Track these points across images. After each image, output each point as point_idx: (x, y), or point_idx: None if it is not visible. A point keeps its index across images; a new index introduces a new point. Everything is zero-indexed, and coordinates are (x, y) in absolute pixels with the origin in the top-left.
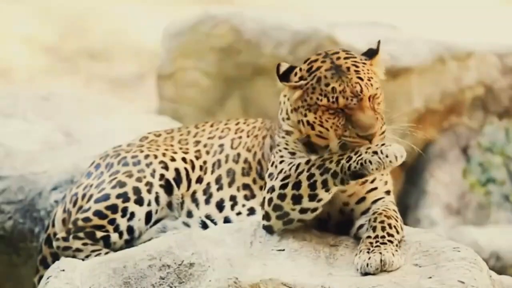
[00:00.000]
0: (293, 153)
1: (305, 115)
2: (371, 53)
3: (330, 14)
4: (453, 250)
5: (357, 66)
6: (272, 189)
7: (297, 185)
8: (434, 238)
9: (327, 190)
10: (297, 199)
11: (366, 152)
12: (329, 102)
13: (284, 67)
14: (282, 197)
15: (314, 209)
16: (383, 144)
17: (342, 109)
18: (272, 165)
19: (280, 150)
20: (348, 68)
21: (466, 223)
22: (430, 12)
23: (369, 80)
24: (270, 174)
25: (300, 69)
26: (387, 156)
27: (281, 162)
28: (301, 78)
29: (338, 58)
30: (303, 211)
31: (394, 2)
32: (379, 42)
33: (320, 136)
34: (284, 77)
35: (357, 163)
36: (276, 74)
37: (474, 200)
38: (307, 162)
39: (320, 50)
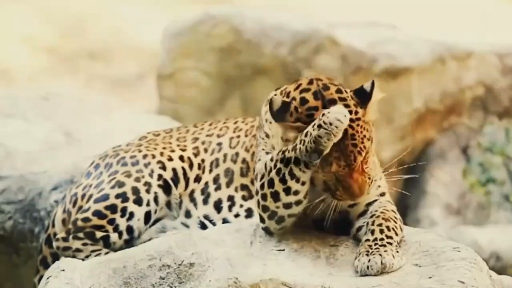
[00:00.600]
0: (268, 153)
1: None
2: (363, 96)
3: (330, 14)
4: (453, 250)
5: (352, 128)
6: (256, 191)
7: (271, 183)
8: (434, 238)
9: (297, 180)
10: (275, 196)
11: (313, 129)
12: (323, 161)
13: (277, 103)
14: (264, 197)
15: (297, 202)
16: (323, 114)
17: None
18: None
19: (260, 151)
20: (345, 131)
21: (466, 223)
22: (430, 12)
23: (362, 142)
24: (256, 176)
25: (296, 109)
26: (331, 124)
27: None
28: (298, 120)
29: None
30: (286, 206)
31: (394, 2)
32: (373, 83)
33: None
34: (279, 114)
35: (310, 142)
36: (269, 111)
37: (474, 200)
38: (271, 158)
39: (315, 83)
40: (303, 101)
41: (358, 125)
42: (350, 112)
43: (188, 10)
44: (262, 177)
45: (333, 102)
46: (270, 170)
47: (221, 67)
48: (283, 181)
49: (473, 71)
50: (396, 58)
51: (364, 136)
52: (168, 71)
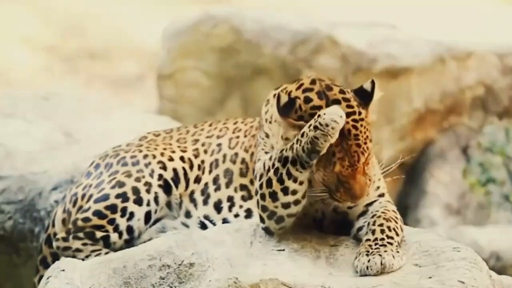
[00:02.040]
0: (267, 153)
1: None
2: (365, 96)
3: (330, 14)
4: (453, 250)
5: (356, 128)
6: (256, 191)
7: (269, 183)
8: (434, 238)
9: (295, 180)
10: (273, 196)
11: (309, 130)
12: (326, 162)
13: (284, 98)
14: (262, 197)
15: (296, 202)
16: (319, 115)
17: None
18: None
19: (259, 151)
20: (349, 131)
21: (466, 223)
22: (430, 12)
23: (365, 143)
24: (255, 176)
25: (300, 107)
26: (327, 125)
27: (258, 160)
28: (301, 118)
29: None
30: (285, 206)
31: (394, 2)
32: (373, 82)
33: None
34: (285, 110)
35: (307, 143)
36: (276, 106)
37: (474, 200)
38: (270, 157)
39: (319, 84)
40: (307, 100)
41: (361, 125)
42: (354, 112)
43: (188, 10)
44: (261, 177)
45: (337, 102)
46: (268, 170)
47: (221, 67)
48: (280, 181)
49: (473, 71)
50: (396, 58)
51: (367, 137)
52: (168, 71)
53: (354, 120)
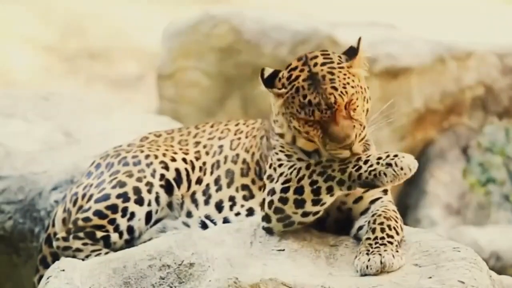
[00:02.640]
0: (289, 155)
1: (290, 121)
2: (352, 53)
3: (330, 14)
4: (453, 250)
5: (332, 74)
6: (272, 192)
7: (299, 190)
8: (434, 238)
9: (332, 195)
10: (300, 203)
11: (378, 163)
12: (306, 115)
13: (268, 71)
14: (284, 200)
15: (316, 213)
16: (395, 155)
17: (318, 121)
18: (270, 167)
19: (277, 153)
20: (324, 77)
21: (466, 223)
22: (430, 12)
23: (344, 87)
24: (269, 176)
25: (282, 75)
26: (401, 169)
27: (280, 165)
28: (283, 86)
29: (316, 64)
30: (305, 214)
31: (394, 2)
32: (359, 39)
33: (309, 140)
34: (269, 81)
35: (369, 174)
36: (260, 79)
37: (474, 200)
38: (307, 167)
39: (302, 53)
40: (288, 65)
41: (340, 72)
42: (332, 62)
43: (188, 10)
44: (287, 181)
45: (315, 57)
46: (302, 178)
47: (221, 67)
48: (315, 192)
49: (473, 71)
50: (396, 58)
51: (348, 83)
52: (168, 71)
53: (331, 67)
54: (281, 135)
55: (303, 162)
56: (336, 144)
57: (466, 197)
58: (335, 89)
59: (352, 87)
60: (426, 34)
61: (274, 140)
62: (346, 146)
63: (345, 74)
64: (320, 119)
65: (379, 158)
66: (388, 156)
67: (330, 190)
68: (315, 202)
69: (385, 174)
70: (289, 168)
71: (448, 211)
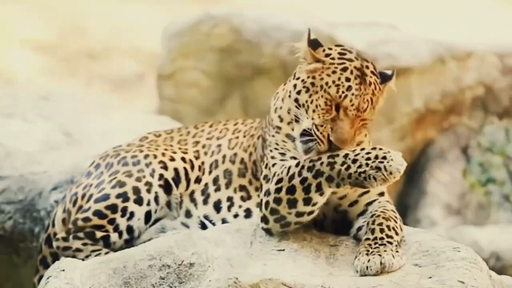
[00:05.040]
0: (283, 154)
1: (298, 93)
2: (385, 78)
3: (330, 14)
4: (453, 250)
5: (375, 88)
6: (268, 193)
7: (291, 190)
8: (434, 238)
9: (322, 194)
10: (292, 203)
11: (367, 165)
12: (337, 93)
13: (314, 36)
14: (277, 201)
15: (310, 212)
16: (384, 157)
17: (338, 107)
18: (266, 167)
19: (271, 151)
20: (370, 84)
21: (466, 223)
22: (430, 12)
23: (373, 107)
24: (265, 177)
25: (330, 49)
26: (391, 173)
27: (273, 164)
28: (327, 56)
29: (367, 67)
30: (299, 214)
31: (394, 2)
32: (394, 71)
33: (295, 118)
34: (314, 43)
35: (359, 175)
36: (307, 38)
37: (474, 200)
38: (297, 164)
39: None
40: (340, 45)
41: (378, 92)
42: (377, 77)
43: (188, 10)
44: (280, 181)
45: (367, 62)
46: (292, 177)
47: (221, 67)
48: (306, 191)
49: (473, 71)
50: (396, 58)
51: (375, 106)
52: (168, 71)
53: (376, 82)
54: (278, 129)
55: (295, 160)
56: (335, 139)
57: (466, 197)
58: (370, 102)
59: (376, 110)
60: (426, 34)
61: (270, 135)
62: (335, 147)
63: (378, 98)
64: (344, 107)
65: (368, 159)
66: (376, 157)
67: (319, 188)
68: (307, 202)
69: (374, 178)
70: (280, 167)
71: (448, 211)
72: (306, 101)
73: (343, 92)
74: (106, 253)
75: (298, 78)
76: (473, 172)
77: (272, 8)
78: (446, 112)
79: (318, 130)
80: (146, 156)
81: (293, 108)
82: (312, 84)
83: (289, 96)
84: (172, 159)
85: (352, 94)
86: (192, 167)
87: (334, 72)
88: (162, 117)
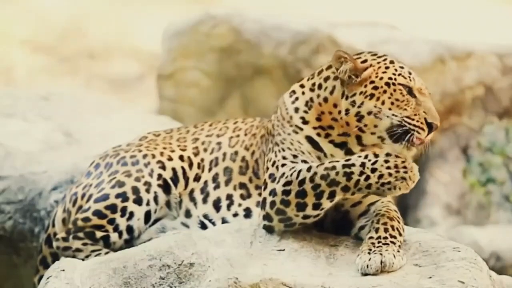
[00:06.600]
0: (295, 156)
1: (360, 106)
2: None
3: (330, 14)
4: (453, 250)
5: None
6: (274, 193)
7: (301, 194)
8: (434, 238)
9: (332, 201)
10: (301, 207)
11: (390, 175)
12: (406, 79)
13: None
14: (285, 203)
15: (317, 215)
16: (404, 167)
17: (411, 92)
18: (273, 165)
19: (283, 149)
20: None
21: (466, 223)
22: (430, 13)
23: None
24: (271, 175)
25: (360, 56)
26: (413, 182)
27: (283, 165)
28: (366, 62)
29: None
30: (306, 217)
31: (394, 3)
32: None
33: (361, 130)
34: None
35: (382, 185)
36: (343, 56)
37: (474, 200)
38: (309, 169)
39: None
40: (370, 52)
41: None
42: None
43: (188, 10)
44: (288, 183)
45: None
46: (303, 182)
47: (221, 67)
48: (318, 197)
49: (473, 71)
50: (396, 58)
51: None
52: (168, 71)
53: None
54: (298, 129)
55: (306, 164)
56: (430, 118)
57: (466, 197)
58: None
59: None
60: (426, 34)
61: (284, 133)
62: (433, 124)
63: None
64: (418, 89)
65: (388, 168)
66: (397, 166)
67: (332, 195)
68: (316, 207)
69: (399, 188)
70: (290, 169)
71: (448, 211)
72: (375, 106)
73: (409, 77)
74: (106, 253)
75: (354, 95)
76: (473, 172)
77: (272, 8)
78: (446, 112)
79: (413, 120)
80: (145, 156)
81: (353, 122)
82: (374, 88)
83: (338, 109)
84: (170, 159)
85: (415, 76)
86: (191, 164)
87: (387, 67)
88: (162, 117)
